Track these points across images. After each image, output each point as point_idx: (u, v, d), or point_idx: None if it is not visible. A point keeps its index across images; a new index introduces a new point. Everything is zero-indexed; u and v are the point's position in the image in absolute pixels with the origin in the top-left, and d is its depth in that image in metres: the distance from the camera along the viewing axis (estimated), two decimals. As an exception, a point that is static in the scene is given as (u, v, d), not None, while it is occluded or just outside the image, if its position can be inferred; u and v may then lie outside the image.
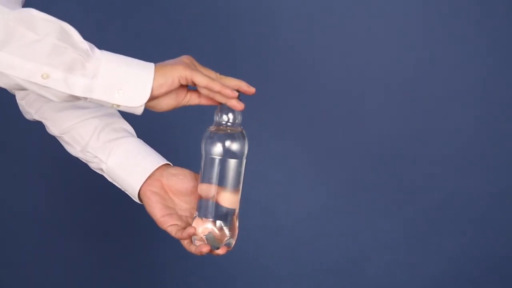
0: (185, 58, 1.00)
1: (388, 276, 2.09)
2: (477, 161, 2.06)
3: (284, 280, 2.11)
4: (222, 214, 1.04)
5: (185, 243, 1.06)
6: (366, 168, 2.08)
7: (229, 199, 1.04)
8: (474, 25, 2.03)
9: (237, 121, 1.02)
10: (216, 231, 1.03)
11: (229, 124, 1.02)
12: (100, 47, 0.98)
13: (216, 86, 0.98)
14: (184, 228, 1.05)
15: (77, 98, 0.94)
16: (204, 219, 1.04)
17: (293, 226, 2.10)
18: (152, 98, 0.96)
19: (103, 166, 1.11)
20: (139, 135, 1.17)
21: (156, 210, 1.07)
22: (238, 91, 1.00)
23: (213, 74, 1.01)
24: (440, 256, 2.08)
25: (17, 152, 2.02)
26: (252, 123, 2.10)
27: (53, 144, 2.06)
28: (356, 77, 2.04)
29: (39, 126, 2.07)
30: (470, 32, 2.03)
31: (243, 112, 1.02)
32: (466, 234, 2.08)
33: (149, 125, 2.08)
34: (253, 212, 2.09)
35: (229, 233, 1.05)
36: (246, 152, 1.03)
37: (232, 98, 0.99)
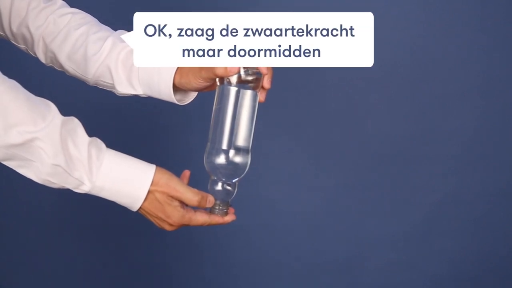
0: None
1: (388, 276, 2.09)
2: (478, 161, 2.07)
3: (284, 280, 2.11)
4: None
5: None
6: (367, 168, 2.08)
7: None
8: (475, 25, 2.03)
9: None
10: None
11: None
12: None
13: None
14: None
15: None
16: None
17: (293, 226, 2.10)
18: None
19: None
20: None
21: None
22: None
23: None
24: (440, 256, 2.08)
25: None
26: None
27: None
28: (357, 76, 2.04)
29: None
30: (471, 31, 2.03)
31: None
32: (466, 234, 2.08)
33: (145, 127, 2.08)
34: (253, 211, 2.09)
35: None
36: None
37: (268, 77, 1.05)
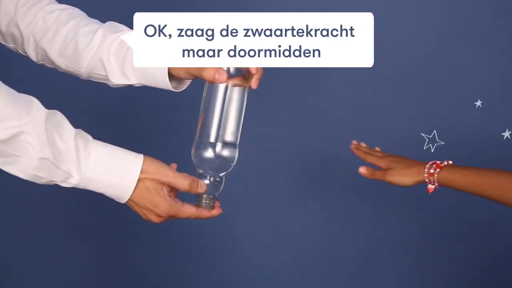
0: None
1: (401, 282, 2.07)
2: (490, 163, 2.04)
3: (294, 286, 2.10)
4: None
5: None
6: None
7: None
8: (476, 24, 2.03)
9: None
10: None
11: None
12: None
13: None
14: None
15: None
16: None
17: (303, 231, 2.09)
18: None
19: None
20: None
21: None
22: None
23: None
24: (454, 261, 2.06)
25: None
26: (257, 123, 2.11)
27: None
28: (361, 77, 2.04)
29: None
30: (472, 31, 2.03)
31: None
32: (480, 239, 2.05)
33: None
34: (259, 216, 2.08)
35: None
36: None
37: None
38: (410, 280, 2.08)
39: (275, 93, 1.98)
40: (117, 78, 1.13)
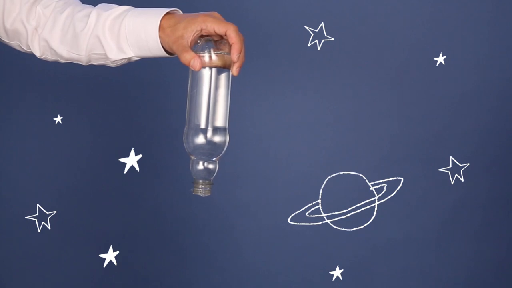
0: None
1: (401, 282, 2.08)
2: (493, 164, 2.05)
3: (294, 285, 2.10)
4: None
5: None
6: (378, 170, 2.08)
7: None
8: (484, 25, 2.03)
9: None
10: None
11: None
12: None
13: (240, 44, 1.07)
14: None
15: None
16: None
17: (303, 231, 2.09)
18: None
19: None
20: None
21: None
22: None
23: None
24: (455, 261, 2.06)
25: (22, 156, 2.03)
26: (257, 123, 2.11)
27: (60, 149, 2.06)
28: (361, 77, 2.04)
29: (45, 130, 2.07)
30: (482, 31, 2.03)
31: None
32: (482, 238, 2.06)
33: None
34: (259, 216, 2.08)
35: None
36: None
37: (238, 63, 1.09)
38: (410, 280, 2.08)
39: (276, 93, 1.98)
40: (114, 54, 1.18)
